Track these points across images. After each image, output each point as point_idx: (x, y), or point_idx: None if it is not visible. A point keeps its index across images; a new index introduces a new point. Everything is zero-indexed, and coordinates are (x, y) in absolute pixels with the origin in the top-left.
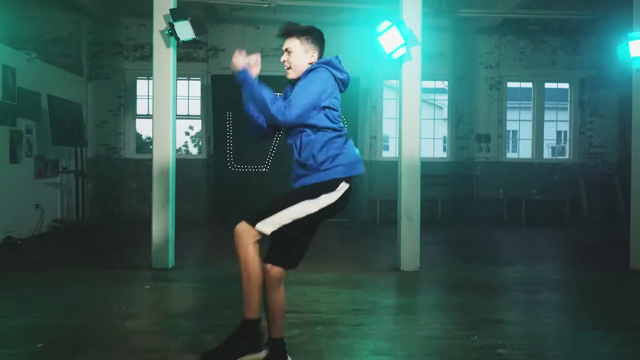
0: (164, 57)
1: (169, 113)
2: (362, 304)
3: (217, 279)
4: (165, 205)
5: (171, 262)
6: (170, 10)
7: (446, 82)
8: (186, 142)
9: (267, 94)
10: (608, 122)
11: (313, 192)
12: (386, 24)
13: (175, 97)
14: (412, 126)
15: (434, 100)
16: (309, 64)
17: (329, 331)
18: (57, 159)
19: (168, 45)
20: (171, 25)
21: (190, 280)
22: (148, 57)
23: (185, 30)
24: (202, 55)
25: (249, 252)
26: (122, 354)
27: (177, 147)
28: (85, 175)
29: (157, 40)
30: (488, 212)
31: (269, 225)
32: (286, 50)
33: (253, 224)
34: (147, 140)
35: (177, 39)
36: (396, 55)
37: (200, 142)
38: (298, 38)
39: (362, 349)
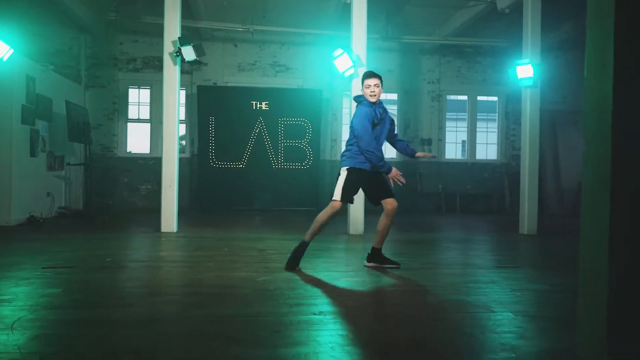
0: (172, 73)
1: (174, 117)
2: (322, 246)
3: (212, 238)
4: (172, 184)
5: (176, 228)
6: (179, 37)
7: (395, 95)
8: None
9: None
10: None
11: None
12: (339, 50)
13: (179, 105)
14: None
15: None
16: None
17: (306, 255)
18: (62, 155)
19: (175, 64)
20: (179, 49)
21: (193, 238)
22: (139, 69)
23: (189, 53)
24: (187, 68)
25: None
26: (169, 264)
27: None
28: (92, 169)
29: (167, 60)
30: (429, 204)
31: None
32: (376, 85)
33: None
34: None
35: (183, 59)
36: (347, 74)
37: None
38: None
39: (324, 260)
